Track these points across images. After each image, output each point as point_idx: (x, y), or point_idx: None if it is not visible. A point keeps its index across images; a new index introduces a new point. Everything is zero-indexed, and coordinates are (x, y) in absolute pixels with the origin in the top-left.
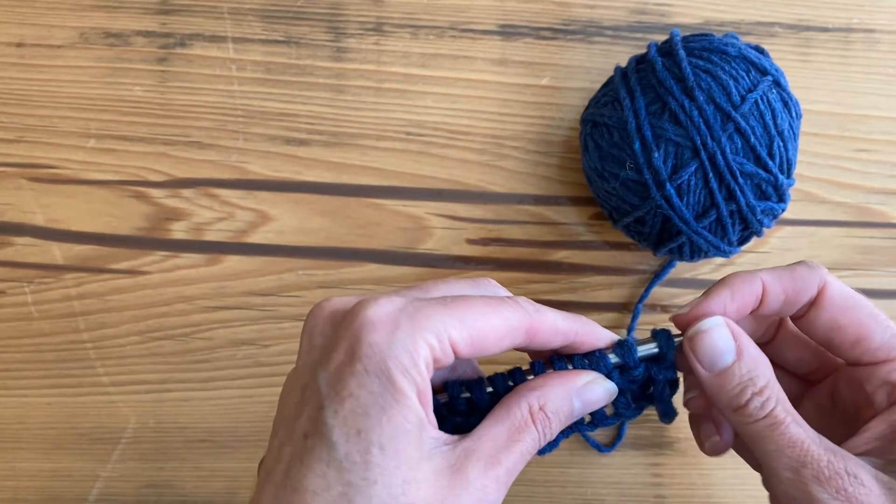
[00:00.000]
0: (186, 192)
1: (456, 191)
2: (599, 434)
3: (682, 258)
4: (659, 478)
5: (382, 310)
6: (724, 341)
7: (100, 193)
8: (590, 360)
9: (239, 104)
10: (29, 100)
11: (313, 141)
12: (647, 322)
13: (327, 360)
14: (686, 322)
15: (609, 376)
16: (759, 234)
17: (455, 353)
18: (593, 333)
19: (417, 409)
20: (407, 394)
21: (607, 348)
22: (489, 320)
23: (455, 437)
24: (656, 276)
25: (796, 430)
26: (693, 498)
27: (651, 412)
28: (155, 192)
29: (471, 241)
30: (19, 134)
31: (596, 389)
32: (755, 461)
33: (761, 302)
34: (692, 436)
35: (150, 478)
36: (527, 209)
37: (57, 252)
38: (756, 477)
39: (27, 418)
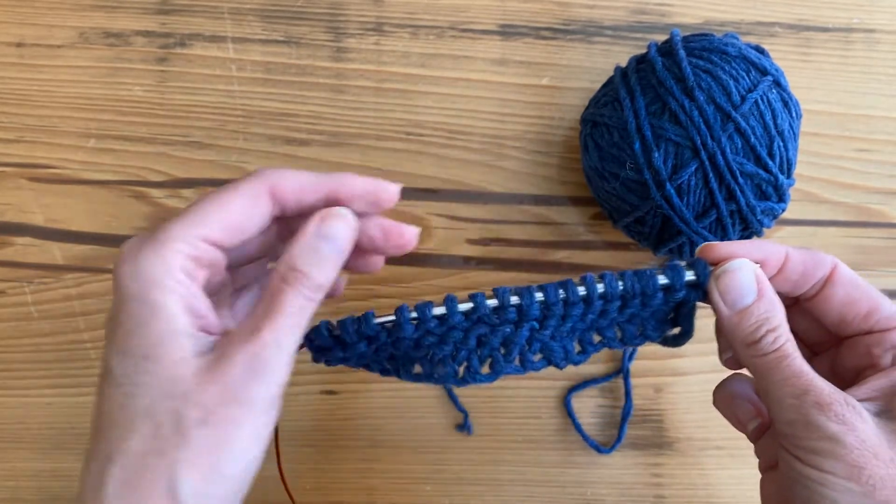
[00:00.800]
0: (186, 192)
1: (456, 191)
2: (599, 435)
3: (682, 258)
4: (659, 478)
5: (127, 246)
6: (749, 282)
7: (100, 193)
8: (640, 277)
9: (239, 104)
10: (29, 100)
11: (313, 141)
12: None
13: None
14: (713, 254)
15: (654, 296)
16: (759, 233)
17: (219, 245)
18: (350, 183)
19: (178, 314)
20: (164, 304)
21: (658, 270)
22: (230, 202)
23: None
24: None
25: (802, 363)
26: (693, 498)
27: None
28: (155, 192)
29: (471, 241)
30: (19, 134)
31: (334, 223)
32: (765, 452)
33: (782, 269)
34: (692, 436)
35: None
36: (527, 209)
37: (57, 252)
38: (755, 477)
39: (27, 418)
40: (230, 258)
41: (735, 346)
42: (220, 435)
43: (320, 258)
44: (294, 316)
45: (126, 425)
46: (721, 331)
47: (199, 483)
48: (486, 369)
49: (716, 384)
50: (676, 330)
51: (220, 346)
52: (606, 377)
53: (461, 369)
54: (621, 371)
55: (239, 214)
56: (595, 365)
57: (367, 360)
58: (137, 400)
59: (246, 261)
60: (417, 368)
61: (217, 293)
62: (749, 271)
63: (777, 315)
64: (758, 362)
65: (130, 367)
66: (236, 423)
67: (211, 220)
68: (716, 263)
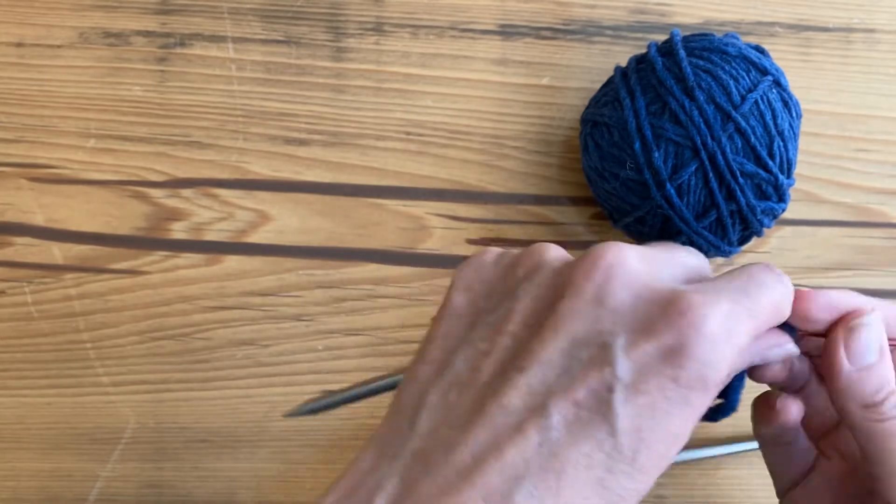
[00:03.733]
0: (186, 192)
1: (456, 191)
2: None
3: None
4: (659, 478)
5: (718, 320)
6: (877, 339)
7: (100, 193)
8: None
9: (239, 104)
10: (28, 100)
11: (313, 141)
12: None
13: (634, 342)
14: (814, 304)
15: None
16: (759, 234)
17: None
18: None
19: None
20: (696, 409)
21: None
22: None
23: None
24: None
25: None
26: (693, 498)
27: None
28: (155, 192)
29: (471, 241)
30: (19, 134)
31: (777, 351)
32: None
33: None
34: (692, 436)
35: (150, 478)
36: (527, 209)
37: (57, 252)
38: (755, 477)
39: (27, 418)
40: None
41: (847, 405)
42: None
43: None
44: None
45: None
46: (827, 387)
47: None
48: None
49: None
50: (718, 401)
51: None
52: None
53: None
54: None
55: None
56: None
57: None
58: (617, 484)
59: None
60: None
61: None
62: (881, 326)
63: (893, 378)
64: (876, 427)
65: (632, 448)
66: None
67: (763, 346)
68: (803, 316)
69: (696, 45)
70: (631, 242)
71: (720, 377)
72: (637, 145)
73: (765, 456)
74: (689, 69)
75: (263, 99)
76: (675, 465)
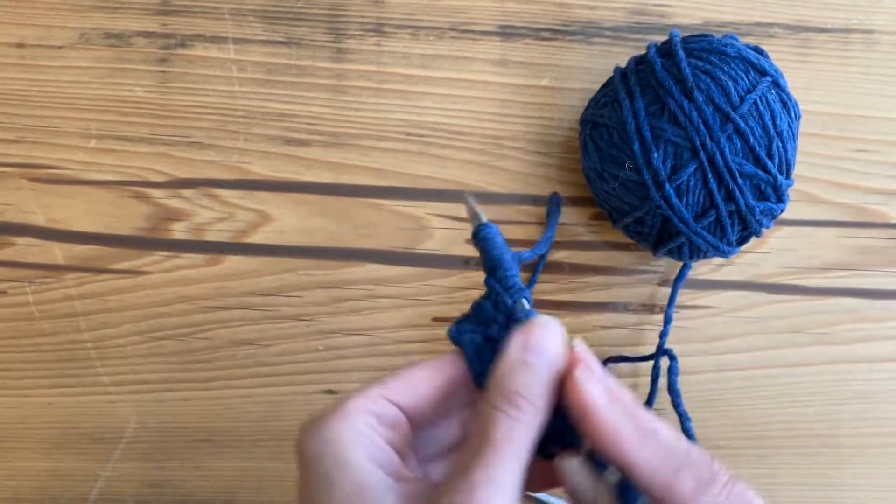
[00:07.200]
0: (187, 193)
1: (456, 191)
2: None
3: (681, 258)
4: None
5: (308, 418)
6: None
7: (100, 194)
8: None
9: (239, 105)
10: (29, 100)
11: (313, 141)
12: (653, 324)
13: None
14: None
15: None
16: (758, 234)
17: (400, 406)
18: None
19: (367, 466)
20: (349, 459)
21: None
22: (413, 369)
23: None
24: (677, 279)
25: None
26: None
27: None
28: (155, 193)
29: (471, 242)
30: (20, 134)
31: (538, 332)
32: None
33: None
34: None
35: (151, 477)
36: (527, 209)
37: (58, 252)
38: (754, 477)
39: (28, 418)
40: (419, 423)
41: (620, 432)
42: None
43: (530, 373)
44: (508, 444)
45: None
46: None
47: None
48: None
49: (717, 384)
50: None
51: (428, 496)
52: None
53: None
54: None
55: (420, 379)
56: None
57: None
58: None
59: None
60: None
61: (403, 458)
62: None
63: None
64: (649, 446)
65: None
66: None
67: (390, 383)
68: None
69: (695, 46)
70: (629, 243)
71: (322, 443)
72: (636, 146)
73: None
74: (688, 70)
75: (264, 99)
76: None
